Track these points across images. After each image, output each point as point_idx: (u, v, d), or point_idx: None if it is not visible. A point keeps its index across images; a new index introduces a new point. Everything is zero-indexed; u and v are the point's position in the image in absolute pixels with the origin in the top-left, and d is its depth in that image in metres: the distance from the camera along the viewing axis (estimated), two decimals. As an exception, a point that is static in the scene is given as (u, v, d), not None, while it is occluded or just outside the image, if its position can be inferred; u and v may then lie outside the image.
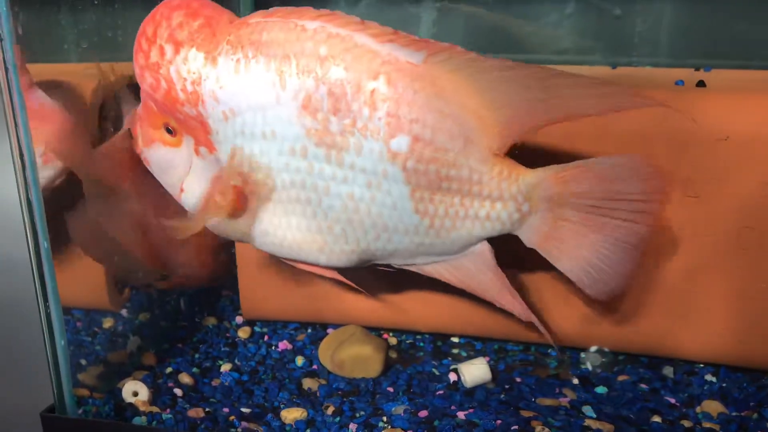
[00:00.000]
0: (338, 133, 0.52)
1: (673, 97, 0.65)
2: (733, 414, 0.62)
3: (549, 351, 0.75)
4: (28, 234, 0.56)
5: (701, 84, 0.68)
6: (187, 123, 0.55)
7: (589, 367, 0.71)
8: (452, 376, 0.69)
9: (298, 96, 0.51)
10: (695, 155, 0.64)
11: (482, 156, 0.53)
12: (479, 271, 0.58)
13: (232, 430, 0.60)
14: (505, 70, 0.52)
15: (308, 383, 0.68)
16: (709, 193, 0.64)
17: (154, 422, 0.61)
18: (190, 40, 0.52)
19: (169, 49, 0.52)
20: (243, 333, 0.79)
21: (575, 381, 0.69)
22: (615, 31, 0.91)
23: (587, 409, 0.63)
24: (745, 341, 0.67)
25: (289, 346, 0.76)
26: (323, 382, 0.69)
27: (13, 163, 0.55)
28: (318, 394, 0.67)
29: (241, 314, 0.82)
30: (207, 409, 0.63)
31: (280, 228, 0.57)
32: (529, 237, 0.57)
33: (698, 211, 0.65)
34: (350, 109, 0.51)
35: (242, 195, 0.56)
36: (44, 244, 0.57)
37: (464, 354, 0.75)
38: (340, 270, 0.60)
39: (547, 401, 0.64)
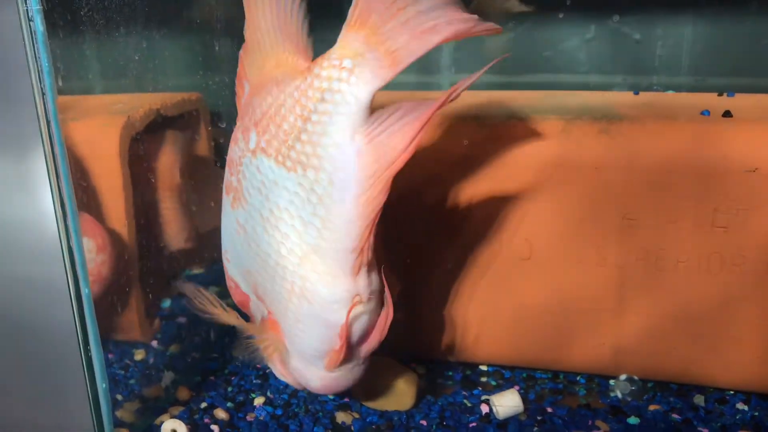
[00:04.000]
0: (235, 180, 0.61)
1: (700, 129, 0.65)
2: (767, 445, 0.63)
3: (578, 379, 0.75)
4: (70, 281, 0.57)
5: (728, 114, 0.68)
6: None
7: (619, 395, 0.71)
8: (484, 408, 0.70)
9: (229, 194, 0.63)
10: (723, 187, 0.64)
11: (291, 74, 0.56)
12: (391, 135, 0.53)
13: (271, 468, 0.61)
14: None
15: (342, 417, 0.69)
16: (737, 224, 0.65)
17: (194, 461, 0.62)
18: None
19: None
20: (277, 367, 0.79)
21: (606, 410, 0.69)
22: (635, 56, 0.91)
23: (621, 442, 0.63)
24: (776, 369, 0.67)
25: (320, 377, 0.77)
26: (356, 416, 0.69)
27: (55, 212, 0.56)
28: (352, 429, 0.67)
29: (270, 344, 0.83)
30: (244, 446, 0.64)
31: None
32: (383, 73, 0.52)
33: (727, 242, 0.65)
34: (233, 159, 0.61)
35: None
36: (85, 291, 0.58)
37: (493, 383, 0.76)
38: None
39: (581, 435, 0.65)
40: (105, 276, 0.71)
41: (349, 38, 0.53)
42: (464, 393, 0.73)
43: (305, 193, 0.56)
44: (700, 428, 0.65)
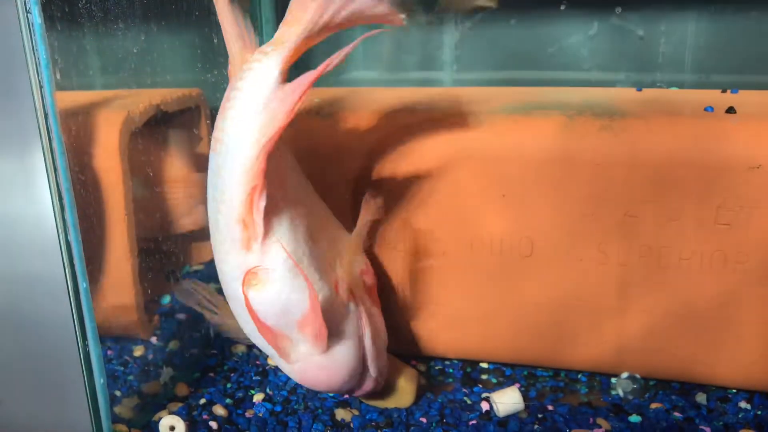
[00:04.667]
0: None
1: (704, 126, 0.65)
2: (770, 444, 0.62)
3: (579, 377, 0.75)
4: (68, 276, 0.57)
5: (731, 110, 0.68)
6: None
7: (621, 393, 0.71)
8: (484, 405, 0.69)
9: None
10: (727, 183, 0.64)
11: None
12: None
13: (269, 464, 0.61)
14: None
15: (341, 414, 0.69)
16: (740, 222, 0.64)
17: (192, 457, 0.62)
18: None
19: None
20: (273, 360, 0.79)
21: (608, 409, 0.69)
22: (639, 52, 0.91)
23: (622, 440, 0.63)
24: (779, 368, 0.67)
25: (320, 374, 0.76)
26: (356, 412, 0.69)
27: (53, 206, 0.55)
28: (352, 426, 0.67)
29: (270, 341, 0.83)
30: (243, 443, 0.64)
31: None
32: (289, 55, 0.56)
33: (730, 239, 0.65)
34: None
35: None
36: (83, 285, 0.57)
37: (494, 380, 0.75)
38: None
39: (582, 433, 0.64)
40: None
41: (279, 30, 0.57)
42: (465, 390, 0.73)
43: (212, 167, 0.57)
44: (702, 427, 0.65)
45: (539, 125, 0.68)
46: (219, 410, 0.69)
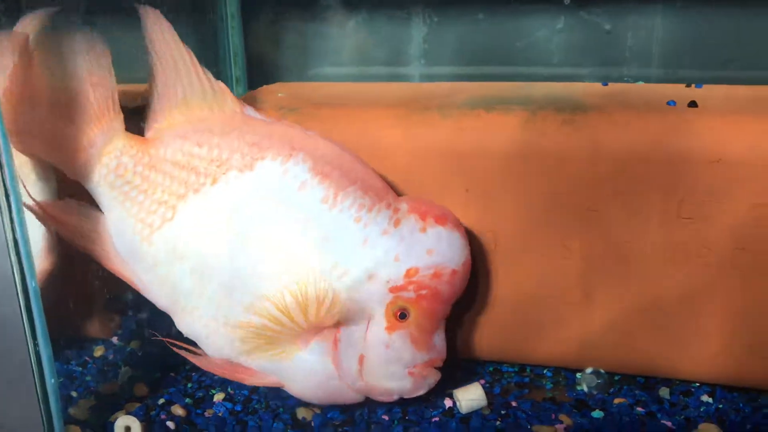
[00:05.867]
0: None
1: (666, 120, 0.65)
2: (730, 437, 0.62)
3: (544, 372, 0.75)
4: (16, 274, 0.55)
5: (693, 104, 0.67)
6: None
7: (585, 388, 0.71)
8: (447, 402, 0.69)
9: None
10: (688, 177, 0.64)
11: None
12: None
13: (227, 465, 0.60)
14: None
15: (302, 412, 0.68)
16: (702, 215, 0.64)
17: (148, 458, 0.60)
18: None
19: None
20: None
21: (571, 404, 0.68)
22: (606, 46, 0.91)
23: (584, 436, 0.62)
24: (741, 362, 0.67)
25: (283, 373, 0.75)
26: (317, 411, 0.68)
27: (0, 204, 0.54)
28: (312, 424, 0.66)
29: (234, 339, 0.81)
30: (200, 443, 0.63)
31: None
32: None
33: (692, 233, 0.65)
34: None
35: None
36: (32, 284, 0.56)
37: (459, 375, 0.75)
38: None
39: (544, 429, 0.64)
40: None
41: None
42: (429, 387, 0.72)
43: None
44: (663, 421, 0.65)
45: (502, 120, 0.68)
46: (178, 410, 0.68)
